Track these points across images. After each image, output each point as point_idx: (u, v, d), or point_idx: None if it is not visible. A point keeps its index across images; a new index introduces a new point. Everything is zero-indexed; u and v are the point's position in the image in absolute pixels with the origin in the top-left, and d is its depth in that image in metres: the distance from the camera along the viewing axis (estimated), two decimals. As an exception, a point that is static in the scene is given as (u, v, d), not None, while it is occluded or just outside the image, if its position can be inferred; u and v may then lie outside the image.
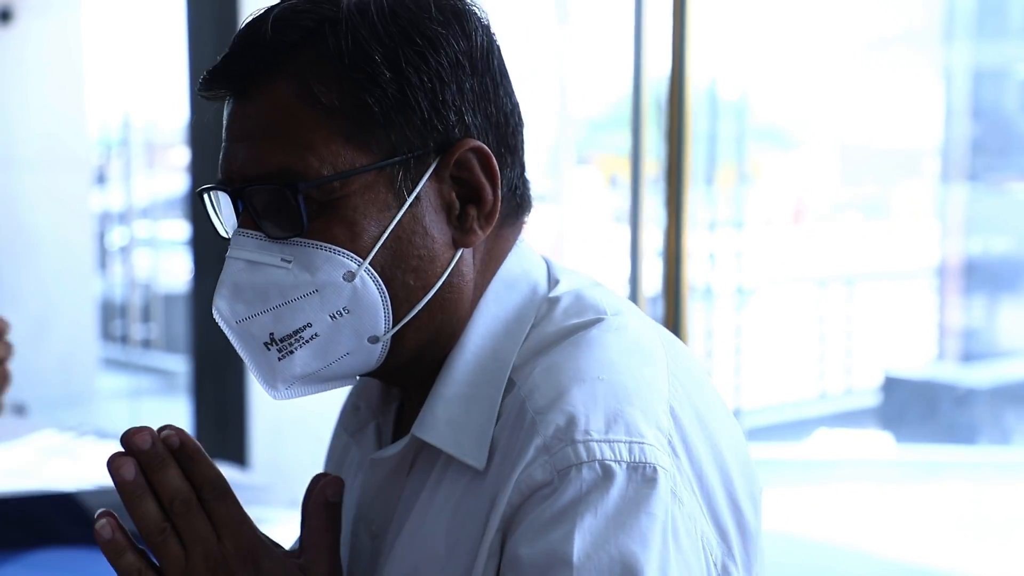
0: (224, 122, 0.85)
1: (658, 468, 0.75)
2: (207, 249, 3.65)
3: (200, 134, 3.56)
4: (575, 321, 0.84)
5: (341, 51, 0.80)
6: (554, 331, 0.84)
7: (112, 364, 7.67)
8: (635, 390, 0.78)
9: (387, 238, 0.81)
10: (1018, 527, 4.67)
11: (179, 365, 7.07)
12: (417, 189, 0.82)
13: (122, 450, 0.79)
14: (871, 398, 7.48)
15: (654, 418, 0.77)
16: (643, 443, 0.76)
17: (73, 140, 6.02)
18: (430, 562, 0.81)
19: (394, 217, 0.81)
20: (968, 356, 7.86)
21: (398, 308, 0.83)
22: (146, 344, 8.13)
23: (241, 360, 0.84)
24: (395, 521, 0.87)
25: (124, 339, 8.20)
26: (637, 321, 0.86)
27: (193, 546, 0.80)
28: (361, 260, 0.81)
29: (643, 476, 0.74)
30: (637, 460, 0.75)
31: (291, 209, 0.80)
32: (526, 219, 0.91)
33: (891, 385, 7.39)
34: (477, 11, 0.86)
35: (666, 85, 2.62)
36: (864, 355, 7.89)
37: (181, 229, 6.84)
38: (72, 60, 6.00)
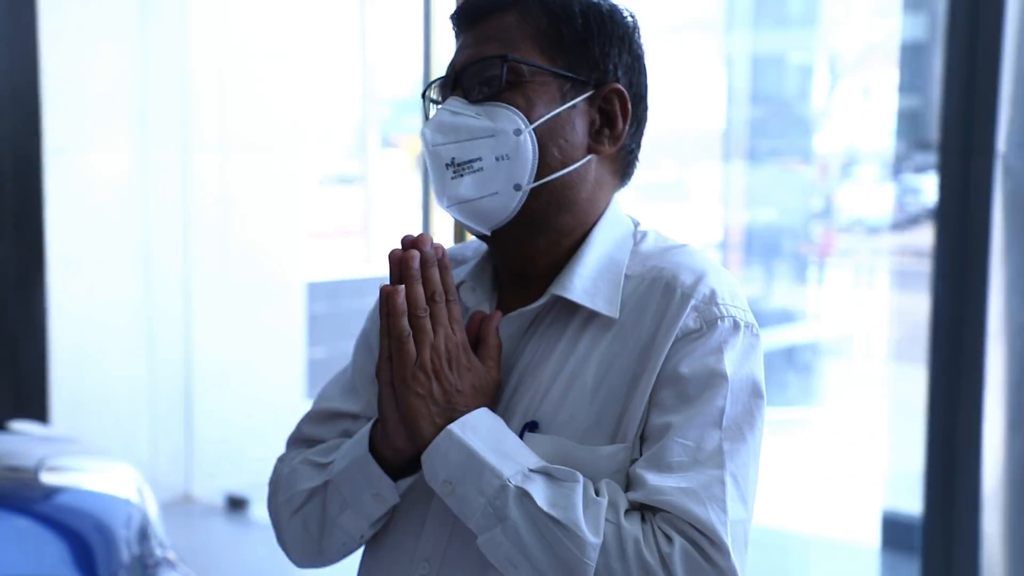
0: (454, 50, 1.20)
1: (755, 327, 1.14)
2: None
3: None
4: (671, 243, 1.22)
5: (555, 6, 1.17)
6: (656, 248, 1.20)
7: None
8: (729, 277, 1.16)
9: (548, 119, 1.15)
10: (797, 475, 5.11)
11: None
12: (576, 100, 1.16)
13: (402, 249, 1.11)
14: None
15: (745, 302, 1.16)
16: (748, 312, 1.15)
17: None
18: (579, 391, 1.12)
19: (556, 109, 1.15)
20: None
21: (541, 169, 1.15)
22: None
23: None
24: (519, 366, 1.17)
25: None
26: None
27: (438, 328, 1.10)
28: (529, 123, 1.14)
29: (753, 331, 1.14)
30: (749, 322, 1.14)
31: (494, 80, 1.14)
32: (626, 184, 1.25)
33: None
34: (639, 25, 1.22)
35: None
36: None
37: None
38: None
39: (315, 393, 1.36)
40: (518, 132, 1.13)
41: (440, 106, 1.17)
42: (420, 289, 1.10)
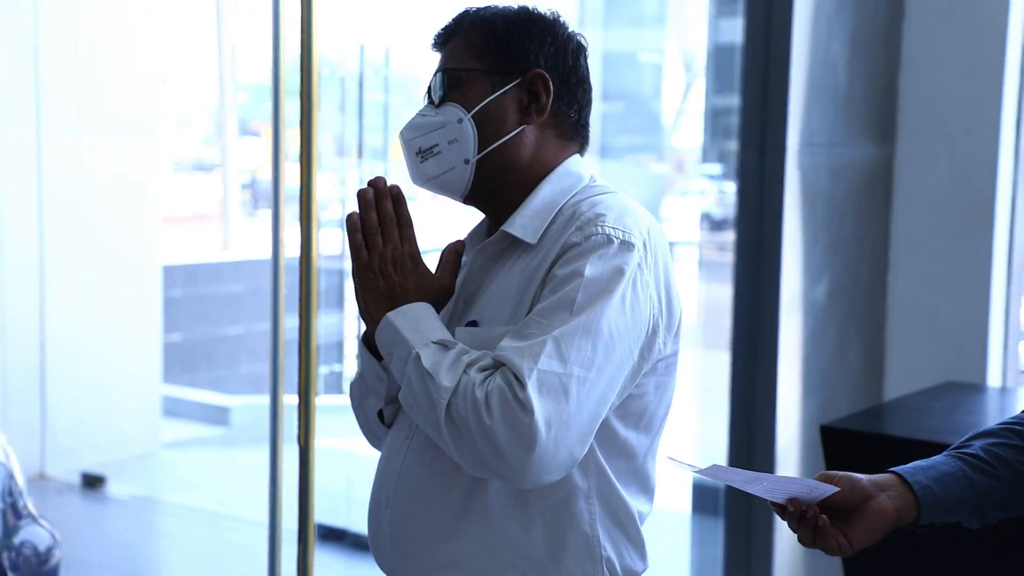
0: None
1: (634, 246, 1.39)
2: None
3: None
4: (605, 190, 1.50)
5: (484, 21, 1.53)
6: (589, 194, 1.49)
7: None
8: (632, 213, 1.43)
9: (482, 106, 1.49)
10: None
11: None
12: (505, 88, 1.49)
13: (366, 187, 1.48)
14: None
15: (638, 229, 1.41)
16: (630, 233, 1.40)
17: None
18: (507, 301, 1.45)
19: (488, 98, 1.49)
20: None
21: (482, 144, 1.49)
22: None
23: None
24: (479, 284, 1.51)
25: None
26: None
27: (387, 241, 1.46)
28: (467, 112, 1.49)
29: (627, 246, 1.39)
30: (624, 239, 1.39)
31: (441, 88, 1.51)
32: (584, 150, 1.55)
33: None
34: (574, 32, 1.55)
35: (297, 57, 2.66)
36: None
37: None
38: None
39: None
40: (460, 120, 1.48)
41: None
42: (373, 214, 1.47)
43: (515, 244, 1.48)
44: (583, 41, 1.56)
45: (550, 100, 1.49)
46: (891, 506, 1.34)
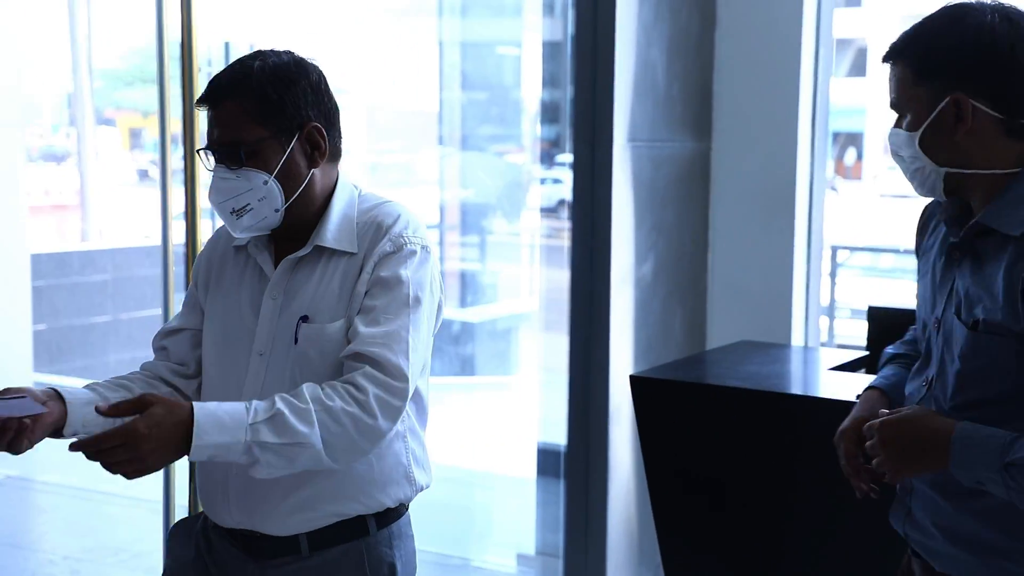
0: (208, 119, 1.79)
1: (431, 250, 1.78)
2: None
3: None
4: (381, 199, 1.86)
5: (254, 88, 1.75)
6: (372, 203, 1.84)
7: None
8: (415, 220, 1.81)
9: (280, 166, 1.76)
10: (504, 427, 5.84)
11: None
12: (291, 146, 1.77)
13: None
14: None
15: (425, 234, 1.80)
16: (424, 239, 1.79)
17: None
18: (328, 298, 1.76)
19: (282, 157, 1.76)
20: (464, 299, 9.02)
21: (287, 193, 1.77)
22: None
23: None
24: (288, 288, 1.79)
25: None
26: None
27: (103, 454, 1.58)
28: (270, 175, 1.76)
29: (426, 252, 1.79)
30: (424, 245, 1.79)
31: (237, 157, 1.75)
32: (339, 162, 1.85)
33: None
34: (311, 61, 1.82)
35: (179, 42, 2.78)
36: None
37: None
38: None
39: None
40: (265, 182, 1.75)
41: (212, 171, 1.80)
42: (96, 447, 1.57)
43: (322, 252, 1.79)
44: (319, 67, 1.83)
45: (327, 144, 1.80)
46: None
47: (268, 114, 1.74)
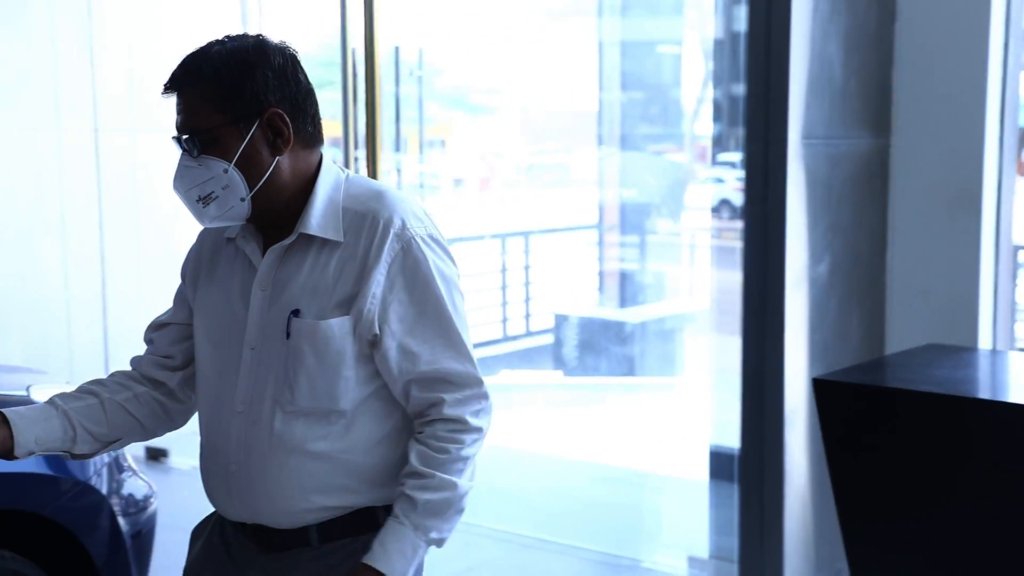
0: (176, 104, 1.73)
1: (435, 234, 1.73)
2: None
3: None
4: (374, 186, 1.78)
5: (211, 73, 1.69)
6: (363, 190, 1.75)
7: None
8: (418, 210, 1.74)
9: (240, 153, 1.68)
10: (670, 427, 5.80)
11: None
12: (250, 133, 1.68)
13: None
14: (547, 338, 8.43)
15: (424, 217, 1.74)
16: (429, 226, 1.73)
17: None
18: (321, 291, 1.69)
19: (241, 144, 1.68)
20: (624, 299, 8.96)
21: (250, 183, 1.69)
22: None
23: None
24: (277, 279, 1.72)
25: None
26: None
27: None
28: (229, 163, 1.68)
29: (433, 238, 1.73)
30: (430, 233, 1.73)
31: (196, 145, 1.67)
32: (321, 147, 1.77)
33: (561, 325, 8.38)
34: (277, 45, 1.72)
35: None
36: (539, 300, 8.87)
37: None
38: None
39: None
40: (226, 170, 1.68)
41: (178, 162, 1.74)
42: None
43: (311, 241, 1.71)
44: (292, 50, 1.74)
45: (291, 131, 1.70)
46: None
47: (225, 100, 1.67)
